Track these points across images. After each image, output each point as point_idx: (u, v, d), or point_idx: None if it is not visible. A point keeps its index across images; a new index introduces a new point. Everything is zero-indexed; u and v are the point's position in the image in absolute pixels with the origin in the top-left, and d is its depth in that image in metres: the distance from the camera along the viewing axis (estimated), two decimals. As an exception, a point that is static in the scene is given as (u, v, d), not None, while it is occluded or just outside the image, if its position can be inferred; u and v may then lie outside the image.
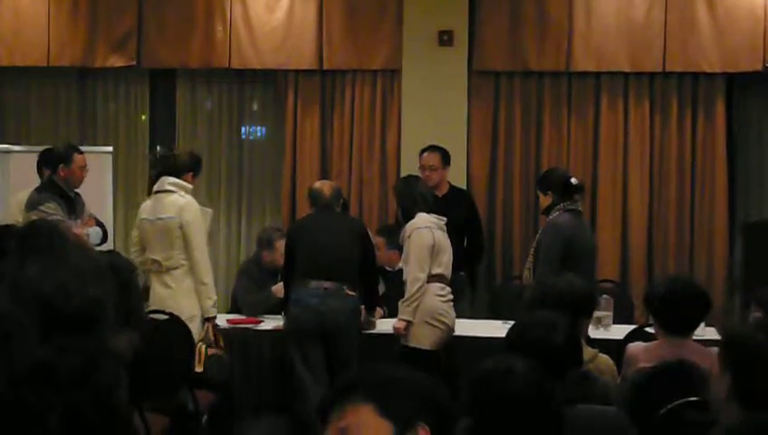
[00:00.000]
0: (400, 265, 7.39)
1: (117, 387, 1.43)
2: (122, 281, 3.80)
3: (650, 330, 5.71)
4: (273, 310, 7.78)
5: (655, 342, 4.99)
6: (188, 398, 6.57)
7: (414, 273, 6.96)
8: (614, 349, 5.35)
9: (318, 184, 7.64)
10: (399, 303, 7.02)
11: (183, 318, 6.85)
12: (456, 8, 9.33)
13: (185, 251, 7.01)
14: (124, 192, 10.03)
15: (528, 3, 9.28)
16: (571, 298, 4.61)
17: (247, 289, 8.00)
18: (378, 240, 8.01)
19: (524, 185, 9.33)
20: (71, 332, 1.37)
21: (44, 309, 1.35)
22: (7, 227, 1.31)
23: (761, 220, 9.07)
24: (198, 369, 6.81)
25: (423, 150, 8.64)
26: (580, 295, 4.70)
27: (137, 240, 7.30)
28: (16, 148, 9.42)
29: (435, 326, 6.98)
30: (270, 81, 9.93)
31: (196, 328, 6.95)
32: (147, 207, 7.24)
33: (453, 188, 8.72)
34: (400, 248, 7.37)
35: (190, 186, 7.17)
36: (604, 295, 7.60)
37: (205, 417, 6.71)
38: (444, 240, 7.11)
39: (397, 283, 7.50)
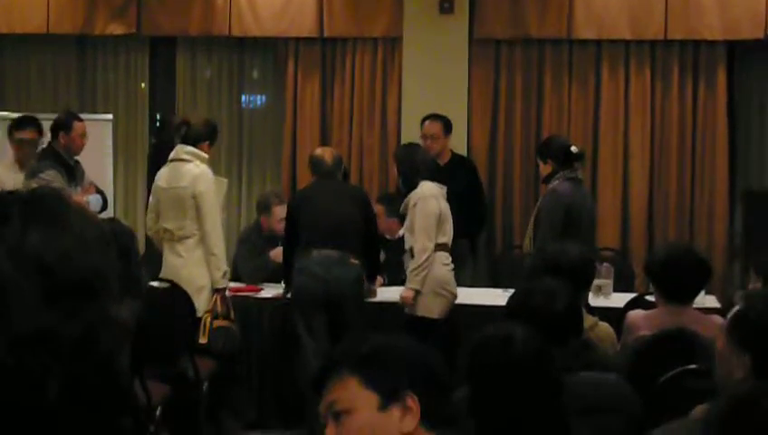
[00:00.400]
0: (401, 233, 7.38)
1: (118, 355, 1.42)
2: (122, 248, 3.81)
3: (650, 298, 5.72)
4: (273, 277, 7.78)
5: (655, 309, 5.00)
6: (189, 366, 6.59)
7: (422, 242, 6.92)
8: (614, 317, 5.35)
9: (319, 151, 7.61)
10: (408, 272, 6.97)
11: (193, 288, 6.84)
12: (456, -25, 9.30)
13: (197, 221, 6.98)
14: (124, 160, 10.03)
15: (529, -30, 9.25)
16: (571, 266, 4.61)
17: (247, 256, 7.99)
18: (377, 208, 7.98)
19: (525, 153, 9.31)
20: (73, 299, 1.36)
21: (46, 276, 1.34)
22: (11, 192, 1.31)
23: (761, 188, 9.07)
24: (202, 340, 6.81)
25: (424, 119, 8.62)
26: (580, 264, 4.71)
27: (153, 207, 7.27)
28: (16, 115, 9.39)
29: (443, 296, 6.98)
30: (270, 49, 9.91)
31: (205, 298, 6.93)
32: (163, 175, 7.19)
33: (455, 157, 8.70)
34: (400, 217, 7.36)
35: (206, 155, 7.10)
36: (604, 263, 7.60)
37: (205, 385, 6.73)
38: (447, 209, 7.11)
39: (397, 251, 7.49)
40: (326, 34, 9.53)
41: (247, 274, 7.86)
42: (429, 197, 7.00)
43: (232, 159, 10.00)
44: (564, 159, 7.12)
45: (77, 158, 7.91)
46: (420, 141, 8.28)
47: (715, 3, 8.96)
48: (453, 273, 7.14)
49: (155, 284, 6.66)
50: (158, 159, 9.75)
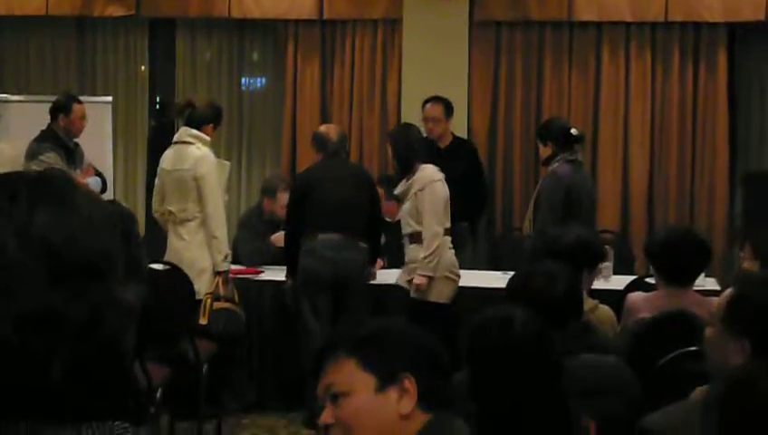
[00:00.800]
0: (400, 216, 7.29)
1: (123, 337, 1.43)
2: (123, 231, 3.81)
3: (650, 280, 5.72)
4: (273, 260, 7.78)
5: (655, 292, 5.00)
6: (189, 348, 6.59)
7: (433, 227, 6.86)
8: (614, 300, 5.35)
9: (323, 128, 7.57)
10: (420, 259, 6.85)
11: (195, 270, 6.84)
12: (456, -43, 9.28)
13: (199, 204, 6.97)
14: (123, 142, 10.02)
15: (529, -48, 9.23)
16: (571, 249, 4.61)
17: (247, 239, 7.98)
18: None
19: (525, 136, 9.31)
20: (79, 281, 1.36)
21: (53, 257, 1.35)
22: (19, 173, 1.31)
23: (761, 170, 9.06)
24: (202, 321, 6.81)
25: (426, 102, 8.59)
26: (579, 246, 4.70)
27: (158, 189, 7.26)
28: (15, 97, 9.40)
29: (452, 279, 6.96)
30: (270, 31, 9.90)
31: (207, 281, 6.93)
32: (167, 158, 7.18)
33: (456, 139, 8.68)
34: (397, 199, 7.32)
35: (208, 138, 7.08)
36: (604, 246, 7.59)
37: (205, 367, 6.74)
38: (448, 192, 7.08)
39: (396, 234, 7.46)
40: (326, 16, 9.52)
41: (247, 256, 7.85)
42: (437, 181, 6.94)
43: (232, 142, 9.99)
44: (564, 142, 7.11)
45: (76, 140, 7.91)
46: (422, 124, 8.26)
47: (715, -16, 8.95)
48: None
49: (155, 266, 6.65)
50: (157, 141, 9.77)
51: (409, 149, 7.04)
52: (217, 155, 7.43)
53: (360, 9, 9.48)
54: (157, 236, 7.48)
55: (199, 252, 6.95)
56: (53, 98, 8.06)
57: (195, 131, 7.04)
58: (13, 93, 9.53)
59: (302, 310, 7.11)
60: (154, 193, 7.32)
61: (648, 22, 9.14)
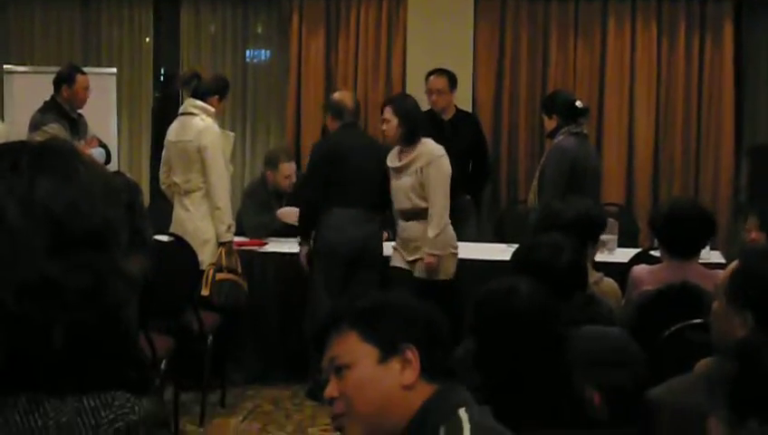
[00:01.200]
0: (393, 191, 6.99)
1: (126, 307, 1.43)
2: (127, 201, 3.81)
3: (655, 253, 5.72)
4: (277, 233, 7.77)
5: (659, 264, 4.99)
6: (194, 319, 6.61)
7: (442, 202, 6.76)
8: (618, 272, 5.35)
9: (338, 95, 7.44)
10: (430, 237, 6.72)
11: (198, 241, 6.85)
12: (462, -71, 9.23)
13: (203, 174, 6.97)
14: (128, 114, 10.01)
15: (535, -76, 9.19)
16: (576, 221, 4.61)
17: (251, 211, 7.97)
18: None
19: (530, 109, 9.29)
20: (80, 250, 1.36)
21: (54, 226, 1.35)
22: (21, 142, 1.31)
23: (767, 143, 9.04)
24: (204, 292, 6.82)
25: (429, 74, 8.56)
26: (584, 218, 4.70)
27: (165, 161, 7.26)
28: (20, 68, 9.40)
29: (455, 254, 6.91)
30: (274, 3, 9.87)
31: (210, 252, 6.93)
32: (172, 129, 7.19)
33: (459, 112, 8.65)
34: None
35: (213, 109, 7.06)
36: (609, 219, 7.58)
37: (210, 338, 6.75)
38: None
39: None
40: (331, -12, 9.50)
41: (251, 228, 7.85)
42: (442, 156, 6.82)
43: (236, 115, 9.98)
44: (569, 114, 7.09)
45: (80, 111, 7.92)
46: (425, 96, 8.24)
47: (722, -43, 8.92)
48: None
49: (160, 237, 6.66)
50: (162, 113, 9.76)
51: (416, 120, 6.92)
52: (222, 127, 7.42)
53: (364, -19, 9.46)
54: (162, 208, 7.48)
55: (203, 223, 6.96)
56: (58, 69, 8.06)
57: (199, 103, 7.04)
58: (18, 65, 9.52)
59: (315, 280, 7.10)
60: (161, 165, 7.32)
61: (655, -6, 9.12)
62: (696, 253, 4.89)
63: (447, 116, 8.45)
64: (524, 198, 8.39)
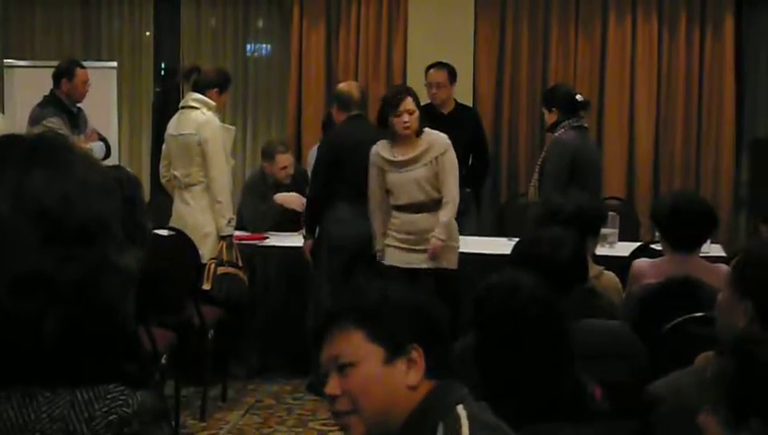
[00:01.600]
0: (400, 184, 6.75)
1: (122, 301, 1.41)
2: (127, 196, 3.80)
3: (656, 247, 5.71)
4: (277, 225, 7.76)
5: (661, 258, 4.98)
6: (194, 313, 6.60)
7: (455, 191, 6.64)
8: (619, 266, 5.34)
9: (344, 86, 7.38)
10: (443, 222, 6.57)
11: (199, 235, 6.84)
12: None
13: (203, 168, 6.96)
14: (128, 108, 10.01)
15: None
16: (577, 215, 4.60)
17: (251, 204, 7.96)
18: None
19: (530, 102, 9.28)
20: (72, 243, 1.35)
21: (46, 219, 1.34)
22: (15, 135, 1.30)
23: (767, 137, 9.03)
24: (206, 286, 6.81)
25: (429, 67, 8.56)
26: (585, 212, 4.69)
27: (165, 155, 7.25)
28: (20, 63, 9.39)
29: (456, 248, 6.85)
30: (275, -3, 9.87)
31: (211, 245, 6.93)
32: (172, 123, 7.19)
33: (459, 106, 8.64)
34: None
35: (213, 103, 7.04)
36: (610, 212, 7.57)
37: (211, 332, 6.75)
38: None
39: None
40: (331, -18, 9.49)
41: (252, 221, 7.84)
42: (451, 145, 6.72)
43: (237, 109, 9.97)
44: (569, 108, 7.08)
45: (79, 105, 7.91)
46: (425, 90, 8.22)
47: (723, -51, 8.90)
48: None
49: (160, 231, 6.65)
50: (162, 107, 9.76)
51: (422, 111, 6.75)
52: (222, 121, 7.41)
53: (365, -25, 9.45)
54: (162, 202, 7.48)
55: (203, 217, 6.95)
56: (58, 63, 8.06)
57: (200, 96, 7.03)
58: (18, 59, 9.51)
59: (318, 273, 7.09)
60: (161, 159, 7.31)
61: (655, -13, 9.11)
62: (698, 246, 4.88)
63: (447, 109, 8.45)
64: (525, 191, 8.37)
